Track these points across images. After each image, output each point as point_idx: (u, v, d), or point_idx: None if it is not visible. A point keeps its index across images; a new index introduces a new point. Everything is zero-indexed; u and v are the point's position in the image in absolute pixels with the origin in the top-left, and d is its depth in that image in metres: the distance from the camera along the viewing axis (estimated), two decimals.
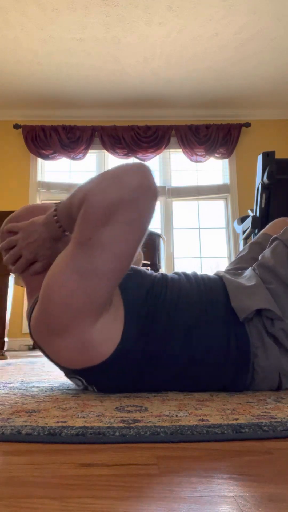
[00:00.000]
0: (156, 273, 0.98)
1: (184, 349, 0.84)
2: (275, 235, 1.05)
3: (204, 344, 0.85)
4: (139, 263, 1.24)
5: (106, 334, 0.79)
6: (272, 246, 1.02)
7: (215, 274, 1.03)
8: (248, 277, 0.98)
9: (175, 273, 0.99)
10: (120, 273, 0.77)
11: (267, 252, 1.01)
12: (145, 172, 0.73)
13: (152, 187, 0.73)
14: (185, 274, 0.98)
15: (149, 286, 0.90)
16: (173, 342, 0.84)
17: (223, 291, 0.93)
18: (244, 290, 0.91)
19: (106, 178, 0.73)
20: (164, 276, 0.95)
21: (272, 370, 0.85)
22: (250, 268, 1.02)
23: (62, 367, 0.84)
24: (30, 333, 0.87)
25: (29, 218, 0.95)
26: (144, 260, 2.60)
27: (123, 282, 0.87)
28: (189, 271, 1.01)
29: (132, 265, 0.96)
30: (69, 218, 0.81)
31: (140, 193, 0.72)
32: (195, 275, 0.98)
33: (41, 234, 0.88)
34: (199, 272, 1.00)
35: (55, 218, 0.84)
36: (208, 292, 0.92)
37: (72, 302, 0.75)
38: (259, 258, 1.02)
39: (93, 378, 0.84)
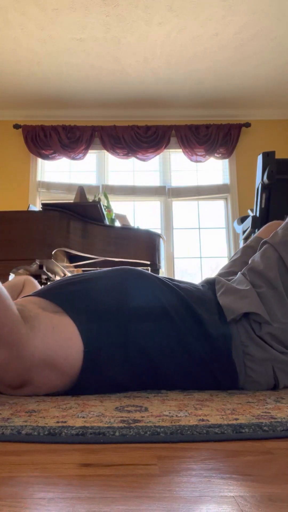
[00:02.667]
0: (109, 268, 0.98)
1: (174, 347, 0.84)
2: (264, 239, 1.05)
3: (192, 341, 0.85)
4: (33, 285, 1.24)
5: (59, 343, 0.79)
6: (261, 250, 1.02)
7: (206, 279, 1.05)
8: (238, 281, 0.99)
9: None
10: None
11: (256, 256, 1.02)
12: None
13: None
14: (163, 276, 1.00)
15: (90, 284, 0.91)
16: (141, 338, 0.84)
17: (210, 290, 0.94)
18: (234, 292, 0.92)
19: None
20: (117, 270, 0.97)
21: (265, 364, 0.86)
22: (240, 273, 1.03)
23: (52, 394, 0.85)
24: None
25: None
26: (144, 260, 2.60)
27: (50, 292, 0.88)
28: (190, 271, 1.03)
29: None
30: None
31: None
32: (180, 281, 1.00)
33: None
34: (198, 273, 1.02)
35: None
36: (199, 290, 0.94)
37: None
38: (249, 262, 1.03)
39: (84, 390, 0.84)
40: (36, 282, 1.28)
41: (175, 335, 0.86)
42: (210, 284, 1.02)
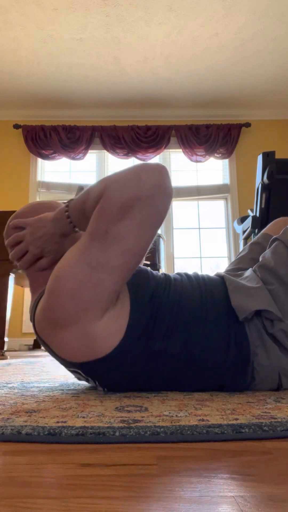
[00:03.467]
0: (160, 274, 0.98)
1: (184, 348, 0.84)
2: (275, 236, 1.05)
3: (204, 343, 0.85)
4: (141, 263, 1.25)
5: (110, 329, 0.80)
6: (272, 246, 1.02)
7: (216, 275, 1.03)
8: (249, 278, 0.98)
9: (177, 273, 1.00)
10: (130, 269, 0.79)
11: (267, 253, 1.02)
12: (162, 172, 0.76)
13: (168, 187, 0.76)
14: (186, 275, 0.99)
15: (155, 286, 0.91)
16: (173, 341, 0.84)
17: (223, 291, 0.93)
18: (245, 290, 0.91)
19: (125, 175, 0.75)
20: (167, 277, 0.96)
21: (272, 369, 0.86)
22: (250, 269, 1.03)
23: (62, 360, 0.85)
24: (34, 326, 0.87)
25: (34, 215, 0.96)
26: (144, 260, 2.61)
27: (132, 280, 0.89)
28: (190, 271, 1.02)
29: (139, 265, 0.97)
30: (82, 214, 0.83)
31: (157, 192, 0.74)
32: (196, 276, 0.98)
33: (49, 230, 0.89)
34: (200, 273, 1.01)
35: (67, 213, 0.85)
36: (209, 292, 0.92)
37: (80, 294, 0.76)
38: (260, 259, 1.03)
39: (93, 372, 0.84)
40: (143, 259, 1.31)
41: (191, 339, 0.86)
42: (221, 279, 1.01)
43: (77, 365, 0.83)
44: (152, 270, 0.99)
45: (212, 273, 1.04)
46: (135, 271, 0.91)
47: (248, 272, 1.02)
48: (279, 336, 0.86)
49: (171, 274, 1.00)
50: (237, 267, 1.22)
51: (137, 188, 0.73)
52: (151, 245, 0.82)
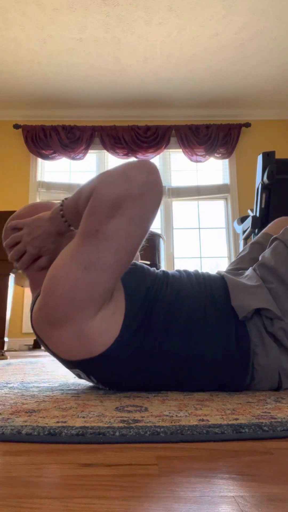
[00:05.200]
0: (158, 270, 0.99)
1: (183, 346, 0.84)
2: (275, 235, 1.05)
3: (203, 342, 0.85)
4: (137, 259, 1.25)
5: (105, 327, 0.80)
6: (272, 246, 1.02)
7: (217, 273, 1.03)
8: (249, 277, 0.98)
9: (177, 270, 1.00)
10: (123, 266, 0.79)
11: (267, 252, 1.02)
12: (151, 170, 0.76)
13: (157, 183, 0.76)
14: (186, 272, 0.99)
15: (151, 282, 0.92)
16: (171, 339, 0.84)
17: (223, 289, 0.93)
18: (244, 289, 0.91)
19: (114, 174, 0.76)
20: (165, 273, 0.96)
21: (272, 369, 0.86)
22: (250, 268, 1.03)
23: (61, 359, 0.85)
24: (32, 325, 0.88)
25: (32, 215, 0.97)
26: (144, 260, 2.60)
27: (126, 277, 0.89)
28: (191, 269, 1.02)
29: (134, 261, 0.97)
30: (75, 212, 0.83)
31: (146, 189, 0.74)
32: (196, 273, 0.99)
33: (46, 229, 0.90)
34: (199, 271, 1.01)
35: (61, 212, 0.86)
36: (208, 290, 0.92)
37: (74, 293, 0.76)
38: (260, 258, 1.03)
39: (92, 370, 0.84)
40: (139, 256, 1.29)
41: (193, 336, 0.86)
42: (222, 278, 1.01)
43: (74, 363, 0.83)
44: (148, 267, 0.99)
45: (212, 273, 1.04)
46: (129, 268, 0.91)
47: (248, 271, 1.02)
48: (279, 335, 0.86)
49: (171, 271, 1.00)
50: (238, 267, 1.22)
51: (127, 186, 0.73)
52: (143, 243, 0.82)
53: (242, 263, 1.22)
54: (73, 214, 0.84)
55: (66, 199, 0.87)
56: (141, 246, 0.82)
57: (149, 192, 0.75)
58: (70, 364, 0.85)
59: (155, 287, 0.90)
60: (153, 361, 0.84)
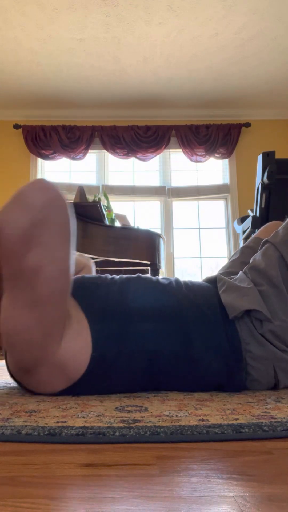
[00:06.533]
0: (117, 277, 0.99)
1: (166, 346, 0.85)
2: (265, 238, 1.06)
3: (190, 341, 0.86)
4: (90, 271, 1.24)
5: (75, 348, 0.80)
6: (262, 249, 1.03)
7: (207, 277, 1.06)
8: (239, 280, 0.99)
9: (164, 278, 1.01)
10: (64, 289, 0.76)
11: (258, 255, 1.03)
12: (44, 187, 0.72)
13: (56, 198, 0.73)
14: (164, 278, 1.00)
15: (108, 289, 0.91)
16: (150, 339, 0.85)
17: (214, 289, 0.95)
18: (236, 290, 0.93)
19: (10, 208, 0.71)
20: (122, 279, 0.96)
21: (266, 362, 0.86)
22: (241, 272, 1.04)
23: (49, 394, 0.85)
24: (13, 377, 0.88)
25: None
26: (144, 260, 2.60)
27: (77, 292, 0.88)
28: (189, 271, 1.03)
29: (82, 275, 0.97)
30: None
31: (48, 210, 0.71)
32: (183, 280, 1.01)
33: None
34: (198, 272, 1.02)
35: None
36: (196, 290, 0.94)
37: (31, 337, 0.75)
38: (250, 261, 1.04)
39: (82, 392, 0.84)
40: (93, 268, 1.27)
41: (180, 337, 0.86)
42: (212, 282, 1.02)
43: (63, 393, 0.83)
44: (100, 275, 0.98)
45: (212, 273, 1.05)
46: (77, 282, 0.91)
47: (239, 275, 1.03)
48: (267, 336, 0.88)
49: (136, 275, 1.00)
50: (228, 271, 1.24)
51: (28, 215, 0.69)
52: (73, 255, 0.79)
53: (233, 267, 1.24)
54: None
55: None
56: (73, 259, 0.79)
57: (51, 211, 0.71)
58: (61, 394, 0.85)
59: (116, 292, 0.90)
60: (139, 362, 0.84)
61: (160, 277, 1.02)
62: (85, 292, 0.89)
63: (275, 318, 0.89)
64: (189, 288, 0.96)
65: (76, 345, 0.80)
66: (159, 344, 0.85)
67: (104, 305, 0.87)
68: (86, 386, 0.83)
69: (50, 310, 0.75)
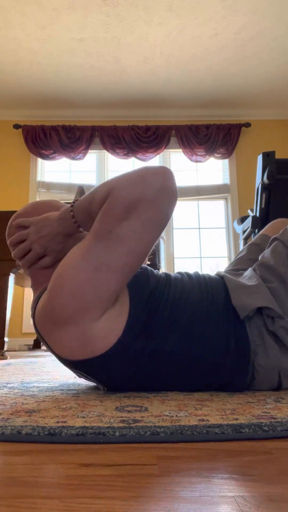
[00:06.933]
0: (161, 273, 0.99)
1: (184, 347, 0.85)
2: (274, 236, 1.06)
3: (204, 342, 0.85)
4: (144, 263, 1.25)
5: (108, 328, 0.80)
6: (271, 246, 1.03)
7: (216, 274, 1.04)
8: (248, 277, 0.99)
9: (179, 272, 1.01)
10: (132, 269, 0.79)
11: (267, 252, 1.02)
12: (167, 175, 0.77)
13: (173, 189, 0.77)
14: (187, 274, 1.00)
15: (154, 285, 0.92)
16: (173, 340, 0.85)
17: (224, 290, 0.94)
18: (245, 289, 0.92)
19: (130, 177, 0.77)
20: (167, 276, 0.97)
21: (272, 368, 0.86)
22: (250, 268, 1.03)
23: (62, 359, 0.85)
24: (34, 323, 0.88)
25: (37, 214, 0.97)
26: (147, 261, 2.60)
27: (132, 279, 0.89)
28: (191, 271, 1.03)
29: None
30: (87, 214, 0.83)
31: (161, 194, 0.75)
32: (196, 275, 0.99)
33: (54, 229, 0.90)
34: (200, 272, 1.02)
35: (72, 213, 0.86)
36: (209, 291, 0.93)
37: (82, 293, 0.76)
38: (259, 258, 1.03)
39: (93, 370, 0.84)
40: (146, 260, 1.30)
41: (194, 338, 0.86)
42: (221, 279, 1.01)
43: (75, 363, 0.83)
44: (152, 269, 0.99)
45: (212, 273, 1.04)
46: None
47: (248, 272, 1.02)
48: (280, 333, 0.87)
49: (172, 273, 1.00)
50: (236, 267, 1.23)
51: (142, 190, 0.74)
52: (153, 247, 0.82)
53: (241, 264, 1.23)
54: (84, 216, 0.84)
55: (77, 200, 0.87)
56: (151, 250, 0.82)
57: (164, 197, 0.76)
58: (71, 364, 0.84)
59: (158, 290, 0.91)
60: (154, 362, 0.84)
61: (184, 272, 1.01)
62: (137, 281, 0.90)
63: (286, 314, 0.88)
64: (208, 286, 0.95)
65: (112, 326, 0.81)
66: (175, 344, 0.85)
67: (148, 299, 0.88)
68: (102, 366, 0.82)
69: (111, 281, 0.77)
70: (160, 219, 0.77)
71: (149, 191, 0.74)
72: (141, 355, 0.83)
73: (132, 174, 0.77)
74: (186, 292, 0.91)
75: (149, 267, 0.99)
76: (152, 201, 0.74)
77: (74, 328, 0.79)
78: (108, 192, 0.76)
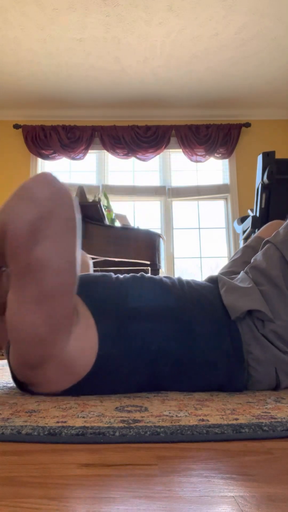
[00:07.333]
0: (126, 275, 0.99)
1: (172, 346, 0.85)
2: (266, 238, 1.06)
3: (194, 341, 0.85)
4: (88, 269, 1.24)
5: (82, 346, 0.80)
6: (263, 249, 1.03)
7: (209, 277, 1.05)
8: (241, 279, 0.99)
9: (165, 276, 1.01)
10: (70, 283, 0.77)
11: (259, 255, 1.03)
12: (49, 180, 0.73)
13: (61, 191, 0.73)
14: (166, 277, 1.00)
15: (113, 287, 0.91)
16: (157, 339, 0.85)
17: (216, 289, 0.94)
18: (237, 290, 0.93)
19: (16, 202, 0.72)
20: (134, 276, 0.97)
21: (268, 365, 0.86)
22: (242, 271, 1.03)
23: (53, 394, 0.84)
24: (13, 374, 0.87)
25: None
26: (144, 260, 2.60)
27: (83, 290, 0.88)
28: (190, 271, 1.03)
29: (87, 273, 0.96)
30: None
31: (54, 202, 0.72)
32: (186, 279, 1.00)
33: None
34: (198, 272, 1.02)
35: None
36: (199, 290, 0.94)
37: (39, 332, 0.75)
38: (251, 261, 1.04)
39: (86, 390, 0.84)
40: (91, 265, 1.27)
41: (182, 337, 0.86)
42: (214, 282, 1.02)
43: (67, 392, 0.83)
44: (105, 273, 0.98)
45: (212, 273, 1.05)
46: (85, 280, 0.90)
47: (240, 274, 1.03)
48: (269, 337, 0.87)
49: (144, 274, 1.00)
50: (230, 270, 1.23)
51: (34, 208, 0.70)
52: (79, 250, 0.79)
53: (235, 267, 1.24)
54: None
55: None
56: (79, 254, 0.79)
57: (58, 203, 0.72)
58: (63, 394, 0.84)
59: (123, 290, 0.90)
60: (143, 362, 0.84)
61: (163, 276, 1.01)
62: (90, 289, 0.89)
63: (277, 318, 0.88)
64: (192, 288, 0.95)
65: (85, 342, 0.80)
66: (162, 344, 0.85)
67: (110, 304, 0.87)
68: (90, 385, 0.82)
69: (58, 305, 0.75)
70: (68, 225, 0.74)
71: (40, 206, 0.70)
72: (126, 359, 0.83)
73: (15, 198, 0.72)
74: (164, 289, 0.91)
75: (106, 273, 0.98)
76: (49, 214, 0.71)
77: (52, 364, 0.78)
78: (3, 230, 0.72)
